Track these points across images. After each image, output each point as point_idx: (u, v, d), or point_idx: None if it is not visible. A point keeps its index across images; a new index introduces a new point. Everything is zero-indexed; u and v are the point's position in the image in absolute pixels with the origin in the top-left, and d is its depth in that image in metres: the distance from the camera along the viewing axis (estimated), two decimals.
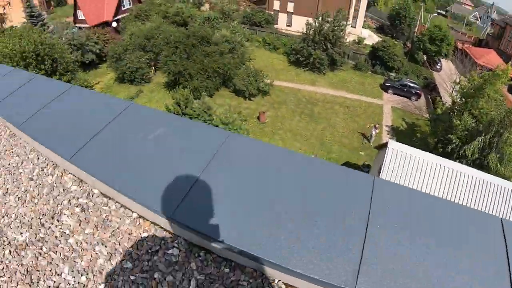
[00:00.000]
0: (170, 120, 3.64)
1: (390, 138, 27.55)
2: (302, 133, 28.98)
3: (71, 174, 3.62)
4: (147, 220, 3.00)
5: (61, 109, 3.96)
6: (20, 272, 2.80)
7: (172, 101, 24.54)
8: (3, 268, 2.86)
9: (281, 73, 37.57)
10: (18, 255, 2.93)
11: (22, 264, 2.85)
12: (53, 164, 3.82)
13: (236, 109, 27.30)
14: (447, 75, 36.41)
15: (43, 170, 3.78)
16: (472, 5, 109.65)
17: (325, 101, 33.49)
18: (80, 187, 3.45)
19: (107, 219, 3.08)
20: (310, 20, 38.31)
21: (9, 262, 2.89)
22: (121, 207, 3.15)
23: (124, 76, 34.36)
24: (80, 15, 46.21)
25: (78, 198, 3.33)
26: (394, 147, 16.74)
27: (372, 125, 29.20)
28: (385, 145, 17.81)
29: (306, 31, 37.88)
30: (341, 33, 37.32)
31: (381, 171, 16.21)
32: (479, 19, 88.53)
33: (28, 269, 2.81)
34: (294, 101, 32.91)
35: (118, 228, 2.99)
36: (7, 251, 2.97)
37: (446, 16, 79.96)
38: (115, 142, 3.30)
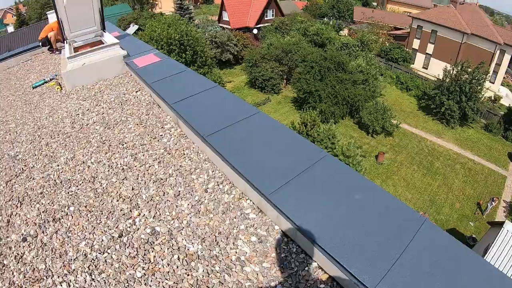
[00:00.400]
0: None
1: (506, 217, 25.33)
2: (416, 184, 27.62)
3: (250, 201, 3.53)
4: (326, 272, 2.79)
5: (249, 130, 4.14)
6: (188, 283, 2.78)
7: (298, 119, 24.96)
8: (169, 272, 2.89)
9: (408, 116, 36.31)
10: (188, 264, 2.93)
11: (191, 275, 2.84)
12: (229, 182, 3.79)
13: (357, 143, 26.99)
14: None
15: (218, 185, 3.77)
16: None
17: (447, 157, 31.48)
18: (260, 217, 3.33)
19: (286, 259, 2.92)
20: (448, 66, 36.62)
21: (177, 268, 2.90)
22: (302, 252, 2.98)
23: (256, 82, 35.85)
24: (225, 16, 49.37)
25: (256, 227, 3.23)
26: (511, 229, 15.37)
27: (491, 197, 26.98)
28: (500, 224, 16.42)
29: (443, 78, 36.14)
30: (479, 87, 35.12)
31: (489, 251, 14.96)
32: None
33: (198, 283, 2.77)
34: (415, 149, 31.53)
35: (296, 272, 2.81)
36: (176, 256, 3.01)
37: None
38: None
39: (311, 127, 23.26)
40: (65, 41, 7.62)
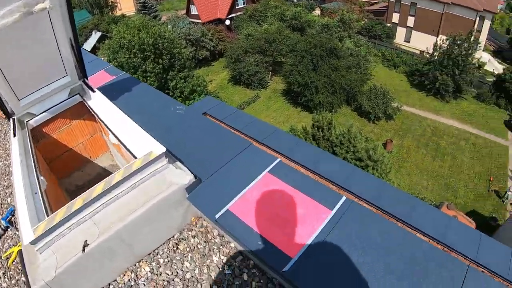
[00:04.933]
0: None
1: None
2: (428, 169, 26.77)
3: None
4: None
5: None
6: None
7: (305, 122, 23.10)
8: None
9: (403, 95, 35.09)
10: None
11: None
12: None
13: (362, 133, 25.52)
14: None
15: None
16: None
17: (450, 135, 30.82)
18: None
19: None
20: (438, 39, 35.58)
21: None
22: None
23: (241, 78, 33.61)
24: (193, 10, 46.49)
25: None
26: None
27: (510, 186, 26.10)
28: None
29: (432, 52, 35.21)
30: (470, 58, 34.27)
31: None
32: None
33: None
34: (419, 131, 30.58)
35: None
36: None
37: None
38: None
39: (327, 131, 21.21)
40: (9, 118, 4.46)
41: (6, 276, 4.13)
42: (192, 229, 4.31)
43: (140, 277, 3.84)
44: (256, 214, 3.85)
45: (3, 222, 4.63)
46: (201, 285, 3.73)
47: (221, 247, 4.07)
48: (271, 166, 4.40)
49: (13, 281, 4.07)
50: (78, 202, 3.21)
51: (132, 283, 3.80)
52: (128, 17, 41.16)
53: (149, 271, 3.89)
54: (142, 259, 3.98)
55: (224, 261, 3.93)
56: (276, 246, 3.48)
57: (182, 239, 4.21)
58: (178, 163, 4.11)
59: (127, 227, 3.46)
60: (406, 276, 3.10)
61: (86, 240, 3.24)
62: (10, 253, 4.24)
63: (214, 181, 4.27)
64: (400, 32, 46.46)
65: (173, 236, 4.21)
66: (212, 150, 4.79)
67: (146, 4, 46.04)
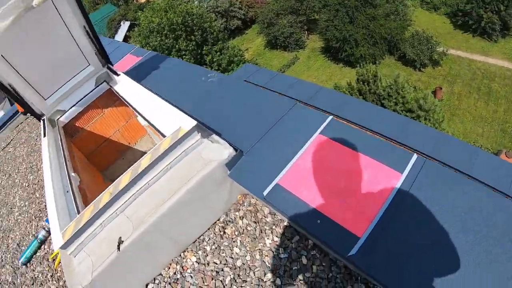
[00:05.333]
0: None
1: None
2: (482, 115, 25.22)
3: None
4: None
5: None
6: None
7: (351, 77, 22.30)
8: None
9: (447, 38, 32.64)
10: None
11: None
12: None
13: (410, 83, 24.34)
14: None
15: None
16: None
17: (502, 77, 28.46)
18: None
19: None
20: None
21: None
22: None
23: (277, 42, 32.81)
24: None
25: None
26: None
27: None
28: None
29: None
30: None
31: None
32: None
33: None
34: (468, 75, 28.62)
35: None
36: None
37: None
38: None
39: (374, 84, 20.32)
40: (39, 120, 4.34)
41: (54, 278, 4.17)
42: (239, 209, 3.84)
43: (186, 268, 3.56)
44: (311, 186, 3.26)
45: (47, 223, 4.60)
46: (253, 273, 3.33)
47: (274, 227, 3.60)
48: (322, 126, 3.81)
49: (61, 283, 4.08)
50: (105, 197, 2.99)
51: (178, 276, 3.52)
52: (153, 1, 40.99)
53: (196, 261, 3.58)
54: (187, 249, 3.67)
55: (278, 243, 3.46)
56: (338, 224, 2.90)
57: (229, 221, 3.78)
58: (214, 136, 3.71)
59: (165, 217, 3.15)
60: None
61: (120, 237, 3.02)
62: (56, 255, 4.26)
63: (258, 152, 3.75)
64: None
65: (218, 219, 3.81)
66: (254, 117, 4.27)
67: None
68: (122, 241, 3.00)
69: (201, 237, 3.76)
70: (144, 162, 3.14)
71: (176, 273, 3.54)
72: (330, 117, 3.92)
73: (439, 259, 2.49)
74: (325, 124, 3.83)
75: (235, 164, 3.57)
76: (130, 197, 3.18)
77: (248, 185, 3.49)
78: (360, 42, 27.62)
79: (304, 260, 3.24)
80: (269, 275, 3.27)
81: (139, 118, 4.54)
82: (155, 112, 3.82)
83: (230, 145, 3.63)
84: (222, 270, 3.43)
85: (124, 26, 42.68)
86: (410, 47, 28.13)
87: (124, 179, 3.07)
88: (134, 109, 4.12)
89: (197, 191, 3.31)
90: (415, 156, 3.22)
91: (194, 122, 3.32)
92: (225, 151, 3.50)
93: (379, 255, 2.60)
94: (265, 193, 3.30)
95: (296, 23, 32.70)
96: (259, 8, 37.69)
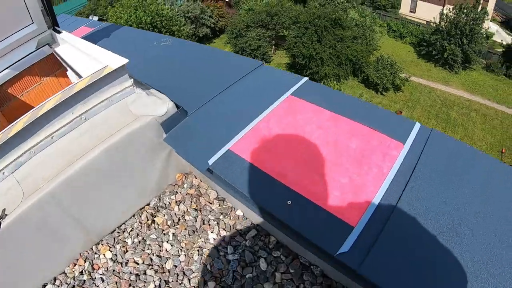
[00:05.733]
0: None
1: None
2: None
3: None
4: None
5: None
6: None
7: None
8: None
9: (410, 66, 34.06)
10: None
11: None
12: None
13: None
14: None
15: None
16: None
17: (460, 106, 29.98)
18: None
19: None
20: (444, 9, 34.42)
21: None
22: None
23: (243, 54, 32.61)
24: None
25: None
26: None
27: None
28: None
29: (439, 21, 34.05)
30: (479, 28, 33.23)
31: None
32: None
33: None
34: (428, 102, 29.71)
35: None
36: None
37: None
38: None
39: None
40: None
41: None
42: (177, 192, 2.89)
43: (98, 267, 2.60)
44: (279, 155, 2.35)
45: None
46: (188, 280, 2.43)
47: (221, 217, 2.68)
48: (296, 86, 3.03)
49: None
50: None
51: (85, 277, 2.55)
52: None
53: (111, 258, 2.63)
54: (102, 241, 2.69)
55: (226, 239, 2.56)
56: (320, 207, 1.98)
57: (162, 207, 2.84)
58: (152, 90, 2.88)
59: (70, 185, 2.20)
60: None
61: (4, 210, 2.05)
62: None
63: (207, 113, 2.85)
64: (405, 3, 44.94)
65: (148, 204, 2.86)
66: (209, 78, 3.43)
67: None
68: (6, 215, 2.04)
69: (122, 226, 2.79)
70: (48, 105, 2.21)
71: (84, 272, 2.57)
72: (306, 78, 3.26)
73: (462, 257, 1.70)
74: (299, 84, 3.13)
75: (174, 127, 2.70)
76: (24, 152, 2.20)
77: (187, 153, 2.60)
78: (326, 61, 27.84)
79: (263, 265, 2.36)
80: (211, 285, 2.37)
81: (69, 72, 3.78)
82: (83, 57, 3.03)
83: (172, 102, 2.78)
84: (145, 273, 2.51)
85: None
86: (374, 70, 28.69)
87: (16, 127, 2.12)
88: (66, 62, 3.33)
89: (119, 155, 2.41)
90: (417, 124, 2.67)
91: (125, 61, 2.50)
92: (163, 106, 2.61)
93: (384, 254, 1.73)
94: (210, 161, 2.38)
95: (265, 37, 32.70)
96: (230, 18, 37.63)
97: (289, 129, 2.59)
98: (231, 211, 2.72)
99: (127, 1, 26.96)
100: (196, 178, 2.96)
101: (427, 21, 37.17)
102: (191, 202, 2.85)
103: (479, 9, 33.69)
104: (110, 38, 5.48)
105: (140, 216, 2.82)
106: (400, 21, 41.00)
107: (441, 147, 2.45)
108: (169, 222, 2.77)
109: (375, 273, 1.65)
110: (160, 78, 3.48)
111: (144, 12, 25.49)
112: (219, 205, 2.78)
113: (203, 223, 2.71)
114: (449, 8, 33.92)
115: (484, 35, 35.54)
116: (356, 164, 2.27)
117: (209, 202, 2.79)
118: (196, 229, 2.68)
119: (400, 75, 29.17)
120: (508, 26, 50.10)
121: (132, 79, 2.68)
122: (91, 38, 5.41)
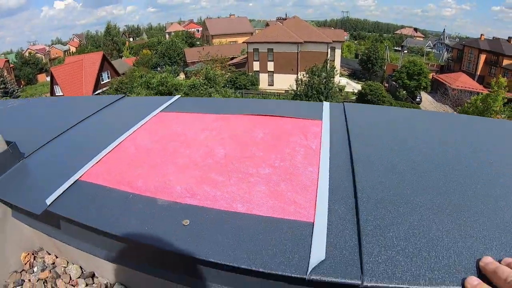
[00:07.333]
0: None
1: None
2: None
3: None
4: None
5: None
6: None
7: None
8: None
9: None
10: None
11: None
12: None
13: None
14: (428, 106, 40.29)
15: None
16: (423, 35, 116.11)
17: None
18: None
19: None
20: (293, 76, 38.72)
21: None
22: None
23: None
24: (58, 91, 44.19)
25: None
26: None
27: None
28: None
29: (297, 88, 37.27)
30: (331, 83, 36.70)
31: None
32: (433, 47, 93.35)
33: None
34: None
35: None
36: None
37: (404, 52, 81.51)
38: None
39: None
40: None
41: None
42: (24, 280, 1.73)
43: None
44: (157, 168, 1.66)
45: None
46: None
47: None
48: (166, 104, 2.58)
49: None
50: None
51: None
52: None
53: None
54: None
55: None
56: (256, 215, 1.26)
57: None
58: None
59: None
60: None
61: None
62: None
63: (52, 151, 2.01)
64: (263, 78, 49.10)
65: None
66: (58, 119, 2.70)
67: (8, 90, 44.20)
68: None
69: None
70: None
71: None
72: (178, 96, 2.80)
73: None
74: (171, 101, 2.67)
75: (4, 173, 1.78)
76: None
77: (21, 198, 1.58)
78: None
79: None
80: None
81: None
82: None
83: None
84: None
85: None
86: None
87: None
88: None
89: None
90: (326, 103, 2.32)
91: None
92: None
93: (380, 249, 1.08)
94: (49, 200, 1.46)
95: None
96: None
97: (165, 139, 2.00)
98: None
99: None
100: (49, 254, 1.90)
101: (285, 90, 40.24)
102: None
103: (328, 67, 37.50)
104: None
105: None
106: (261, 95, 44.03)
107: (362, 111, 2.29)
108: None
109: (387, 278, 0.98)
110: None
111: None
112: (86, 285, 1.70)
113: None
114: (303, 74, 37.24)
115: (337, 89, 39.76)
116: (274, 150, 1.77)
117: (71, 285, 1.72)
118: None
119: None
120: (355, 76, 58.78)
121: None
122: None
